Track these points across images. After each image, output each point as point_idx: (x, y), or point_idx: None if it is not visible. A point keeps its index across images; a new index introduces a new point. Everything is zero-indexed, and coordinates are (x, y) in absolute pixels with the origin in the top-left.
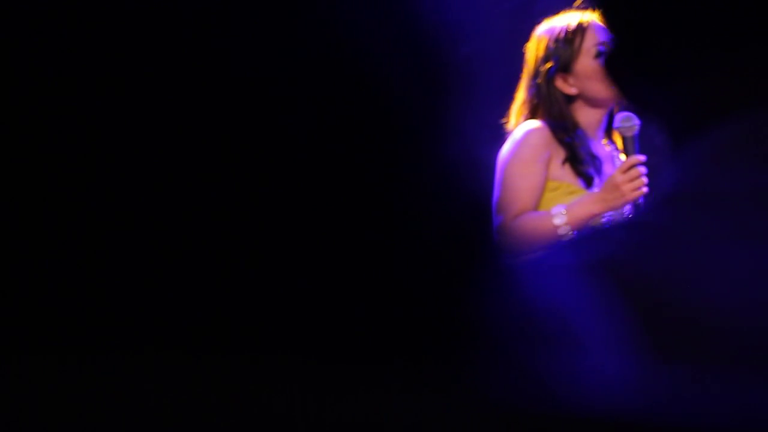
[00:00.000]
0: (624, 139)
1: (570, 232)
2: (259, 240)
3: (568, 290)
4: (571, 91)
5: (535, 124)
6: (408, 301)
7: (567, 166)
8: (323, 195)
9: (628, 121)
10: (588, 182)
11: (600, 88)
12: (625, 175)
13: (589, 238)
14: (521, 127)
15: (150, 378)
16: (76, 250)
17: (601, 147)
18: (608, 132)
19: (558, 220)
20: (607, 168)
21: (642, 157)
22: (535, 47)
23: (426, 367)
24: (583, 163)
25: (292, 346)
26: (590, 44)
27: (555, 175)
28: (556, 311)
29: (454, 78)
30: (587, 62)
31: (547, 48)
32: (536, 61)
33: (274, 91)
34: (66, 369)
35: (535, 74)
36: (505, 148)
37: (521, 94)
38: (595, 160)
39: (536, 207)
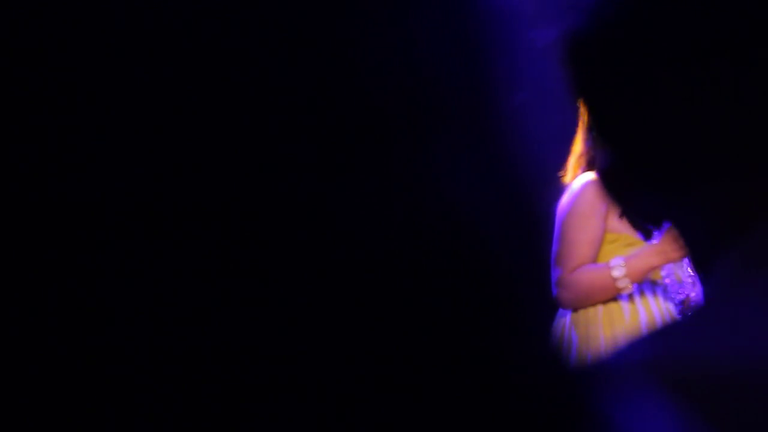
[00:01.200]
0: None
1: (629, 285)
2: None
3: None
4: None
5: (592, 176)
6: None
7: (625, 218)
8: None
9: None
10: (646, 234)
11: None
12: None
13: (659, 335)
14: (579, 179)
15: None
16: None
17: None
18: None
19: (617, 272)
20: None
21: None
22: None
23: None
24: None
25: None
26: None
27: (613, 227)
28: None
29: (509, 126)
30: None
31: None
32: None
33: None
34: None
35: (591, 125)
36: (564, 202)
37: (578, 146)
38: None
39: (595, 260)
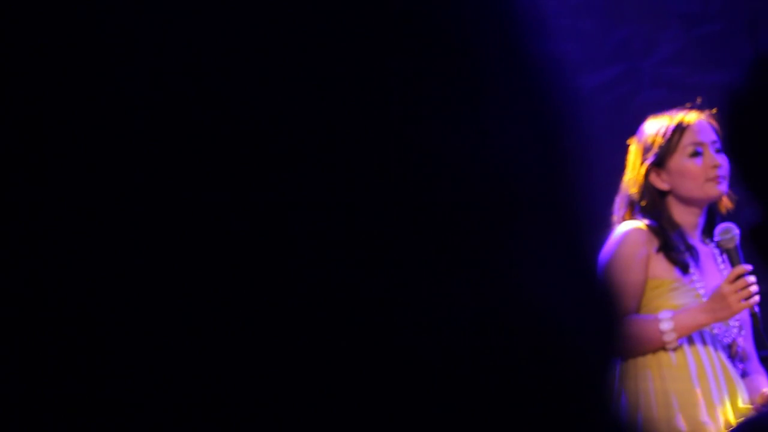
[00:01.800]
0: (727, 251)
1: (675, 339)
2: None
3: None
4: (663, 186)
5: (634, 224)
6: None
7: (668, 264)
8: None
9: (727, 234)
10: (684, 269)
11: (691, 186)
12: (732, 286)
13: None
14: (620, 227)
15: None
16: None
17: (701, 243)
18: (708, 232)
19: (665, 326)
20: (707, 264)
21: (748, 267)
22: (637, 142)
23: None
24: (676, 251)
25: None
26: (687, 142)
27: (655, 274)
28: None
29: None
30: (681, 159)
31: (647, 143)
32: (637, 155)
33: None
34: None
35: (634, 168)
36: (606, 249)
37: (623, 188)
38: (692, 250)
39: (638, 306)
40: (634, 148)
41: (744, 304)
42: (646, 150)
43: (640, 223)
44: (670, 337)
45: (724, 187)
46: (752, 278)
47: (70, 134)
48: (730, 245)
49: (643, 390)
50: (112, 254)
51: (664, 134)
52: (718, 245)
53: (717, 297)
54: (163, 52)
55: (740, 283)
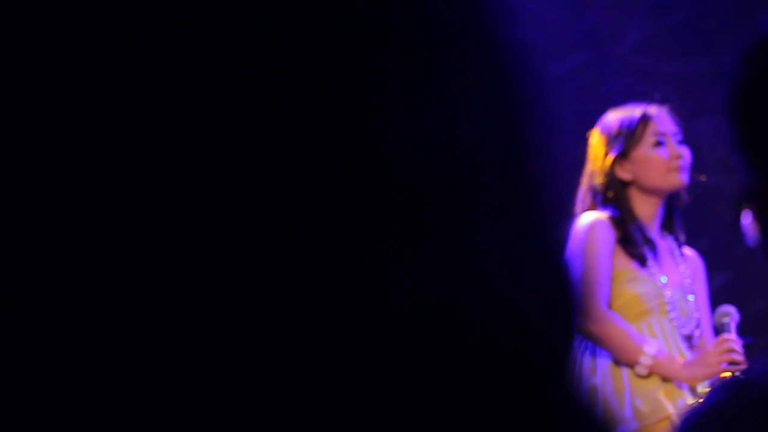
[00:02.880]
0: (720, 324)
1: (644, 371)
2: None
3: None
4: (627, 177)
5: (596, 215)
6: None
7: (626, 257)
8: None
9: (725, 316)
10: (642, 262)
11: (654, 176)
12: (717, 350)
13: None
14: (584, 218)
15: None
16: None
17: (659, 237)
18: (667, 225)
19: (644, 360)
20: (665, 258)
21: (734, 336)
22: (600, 133)
23: None
24: (634, 244)
25: None
26: (651, 132)
27: (616, 264)
28: None
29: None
30: (644, 150)
31: (611, 133)
32: (599, 146)
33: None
34: None
35: (598, 159)
36: (574, 240)
37: (585, 178)
38: (651, 243)
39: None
40: (596, 139)
41: (724, 368)
42: (609, 140)
43: (602, 215)
44: (640, 369)
45: (685, 177)
46: (738, 347)
47: (70, 134)
48: (724, 320)
49: (601, 369)
50: (110, 252)
51: (629, 125)
52: (715, 321)
53: (701, 359)
54: (159, 57)
55: (725, 348)
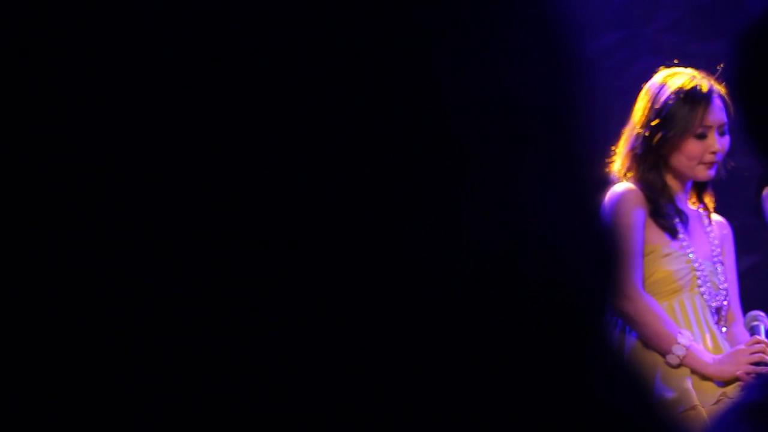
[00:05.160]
0: (750, 328)
1: (674, 362)
2: None
3: None
4: (661, 150)
5: (629, 185)
6: None
7: (658, 230)
8: None
9: (755, 321)
10: (673, 234)
11: (684, 163)
12: (747, 350)
13: None
14: (617, 187)
15: None
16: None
17: (687, 206)
18: (698, 194)
19: (677, 350)
20: (695, 227)
21: (765, 340)
22: (650, 96)
23: None
24: (666, 216)
25: None
26: (698, 122)
27: (648, 239)
28: None
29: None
30: (686, 137)
31: (659, 104)
32: (646, 111)
33: None
34: None
35: (643, 125)
36: (606, 209)
37: (624, 143)
38: (682, 214)
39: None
40: (645, 102)
41: (751, 368)
42: (656, 111)
43: (633, 186)
44: (672, 359)
45: (713, 171)
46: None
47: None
48: (755, 323)
49: (630, 349)
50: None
51: (683, 101)
52: (745, 325)
53: (731, 357)
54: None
55: (757, 348)
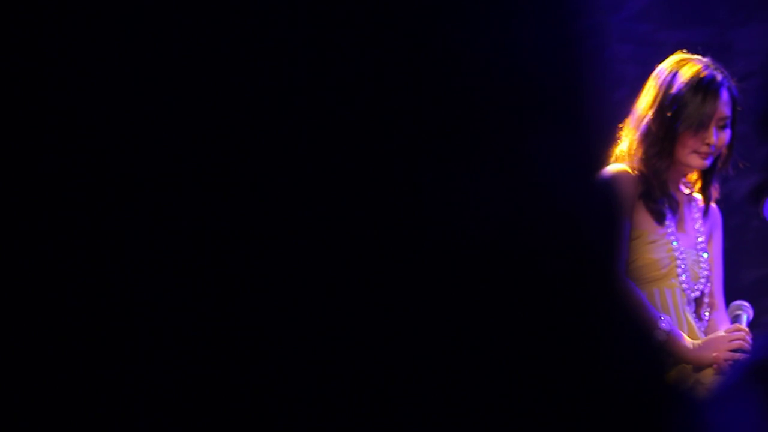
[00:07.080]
0: (733, 317)
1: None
2: None
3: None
4: (670, 141)
5: (622, 167)
6: None
7: (646, 214)
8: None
9: (738, 310)
10: (660, 220)
11: (681, 153)
12: (727, 336)
13: None
14: (611, 167)
15: None
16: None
17: (681, 192)
18: (703, 184)
19: (658, 335)
20: (685, 215)
21: (745, 329)
22: (659, 84)
23: None
24: (655, 201)
25: None
26: (705, 115)
27: (635, 223)
28: None
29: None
30: (692, 129)
31: (670, 93)
32: (655, 96)
33: None
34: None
35: (656, 111)
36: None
37: (632, 126)
38: (671, 200)
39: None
40: (654, 87)
41: (729, 355)
42: (667, 99)
43: (627, 167)
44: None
45: (708, 161)
46: (747, 338)
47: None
48: (738, 313)
49: None
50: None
51: (693, 94)
52: (729, 314)
53: (710, 342)
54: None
55: (736, 336)
